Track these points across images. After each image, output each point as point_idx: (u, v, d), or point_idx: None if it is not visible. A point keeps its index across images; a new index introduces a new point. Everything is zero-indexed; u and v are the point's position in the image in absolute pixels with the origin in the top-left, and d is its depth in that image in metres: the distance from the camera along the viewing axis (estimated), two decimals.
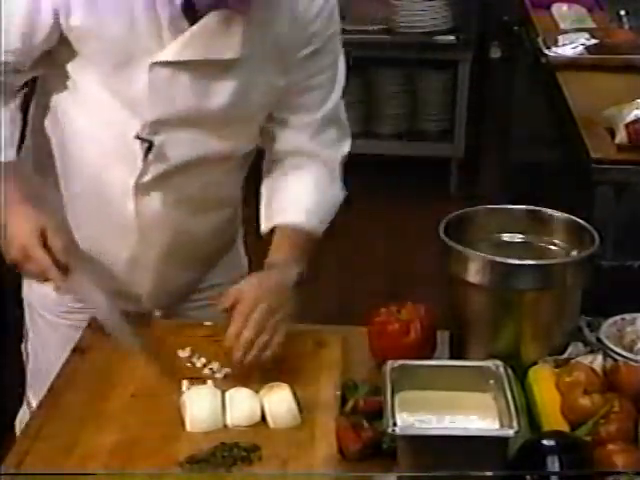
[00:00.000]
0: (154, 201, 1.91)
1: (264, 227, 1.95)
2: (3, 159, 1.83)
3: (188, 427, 1.66)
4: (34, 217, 1.80)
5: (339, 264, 4.01)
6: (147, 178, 1.88)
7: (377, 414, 1.59)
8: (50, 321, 2.08)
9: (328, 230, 1.97)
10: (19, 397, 2.15)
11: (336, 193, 2.00)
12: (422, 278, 3.10)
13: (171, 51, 1.77)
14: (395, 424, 1.51)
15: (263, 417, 1.67)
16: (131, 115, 1.83)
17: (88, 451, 1.60)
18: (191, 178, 1.92)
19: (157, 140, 1.84)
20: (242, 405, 1.68)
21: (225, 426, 1.67)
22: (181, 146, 1.87)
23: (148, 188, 1.90)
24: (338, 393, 1.73)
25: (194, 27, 1.75)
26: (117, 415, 1.69)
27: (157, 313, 2.08)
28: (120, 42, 1.77)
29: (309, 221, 1.92)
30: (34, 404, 1.93)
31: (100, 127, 1.87)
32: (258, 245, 1.97)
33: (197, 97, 1.82)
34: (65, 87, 1.88)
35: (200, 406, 1.67)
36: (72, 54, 1.83)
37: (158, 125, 1.83)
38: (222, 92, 1.83)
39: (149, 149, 1.85)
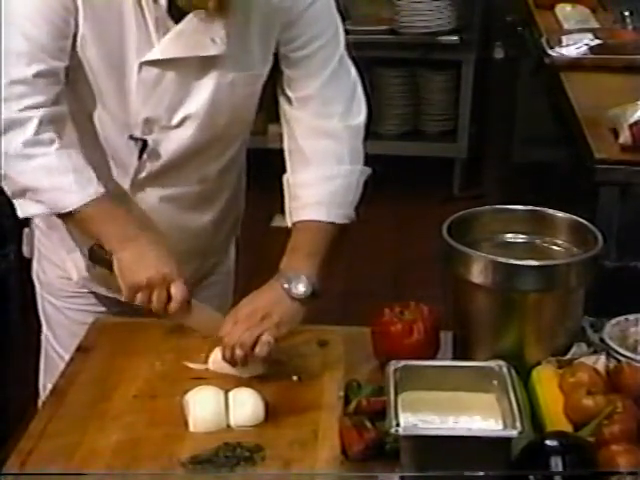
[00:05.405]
0: (149, 197, 1.97)
1: (289, 224, 1.95)
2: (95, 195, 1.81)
3: (191, 427, 1.66)
4: (166, 260, 1.81)
5: (342, 264, 4.01)
6: (142, 175, 1.94)
7: (380, 414, 1.59)
8: (57, 305, 2.12)
9: None
10: (19, 398, 2.14)
11: (350, 171, 1.95)
12: (425, 278, 3.10)
13: (158, 50, 1.83)
14: (398, 424, 1.51)
15: (266, 417, 1.68)
16: (124, 116, 1.88)
17: (91, 451, 1.60)
18: (187, 173, 1.96)
19: (150, 139, 1.90)
20: (245, 405, 1.68)
21: (228, 426, 1.67)
22: (174, 143, 1.91)
23: (143, 185, 1.95)
24: (341, 393, 1.73)
25: (178, 25, 1.81)
26: (120, 415, 1.70)
27: None
28: (114, 46, 1.82)
29: (320, 214, 1.91)
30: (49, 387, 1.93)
31: (97, 134, 1.91)
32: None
33: (183, 94, 1.87)
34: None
35: (203, 406, 1.67)
36: (74, 67, 1.84)
37: (150, 124, 1.88)
38: (206, 88, 1.87)
39: (143, 148, 1.90)
